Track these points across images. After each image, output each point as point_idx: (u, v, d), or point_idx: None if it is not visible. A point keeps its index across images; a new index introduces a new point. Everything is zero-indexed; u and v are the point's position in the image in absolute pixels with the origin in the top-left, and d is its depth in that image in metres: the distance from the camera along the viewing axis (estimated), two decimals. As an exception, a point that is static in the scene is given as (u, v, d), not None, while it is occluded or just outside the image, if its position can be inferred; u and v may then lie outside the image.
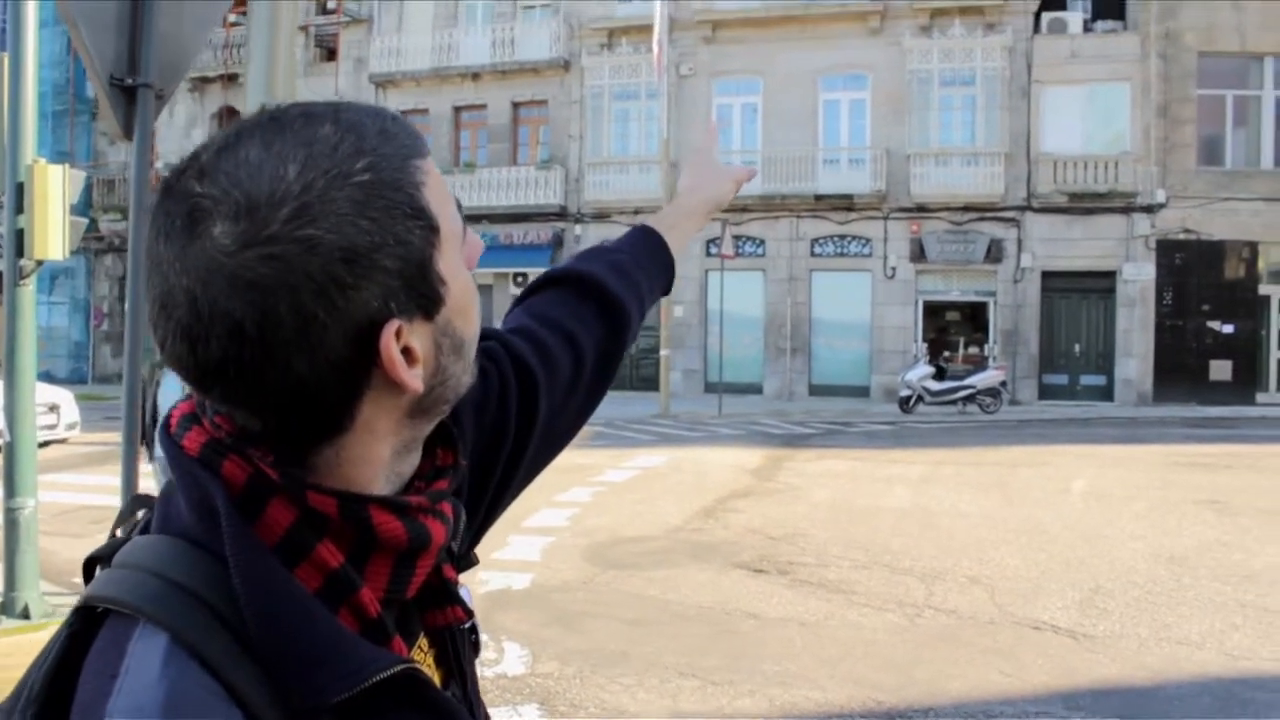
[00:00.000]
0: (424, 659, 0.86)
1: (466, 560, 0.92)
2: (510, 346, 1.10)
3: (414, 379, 0.75)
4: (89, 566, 0.78)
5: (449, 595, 0.87)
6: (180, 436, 0.77)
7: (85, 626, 0.72)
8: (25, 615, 6.03)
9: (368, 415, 0.76)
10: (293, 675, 0.69)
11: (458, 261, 0.79)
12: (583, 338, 1.18)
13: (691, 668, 5.63)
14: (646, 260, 1.35)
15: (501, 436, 1.05)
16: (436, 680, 0.86)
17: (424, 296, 0.75)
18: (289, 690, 0.69)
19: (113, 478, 11.41)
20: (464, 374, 0.82)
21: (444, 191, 0.78)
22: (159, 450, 0.83)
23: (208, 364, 0.70)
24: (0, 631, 5.94)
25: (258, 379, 0.70)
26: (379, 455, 0.78)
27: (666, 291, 1.40)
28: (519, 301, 1.24)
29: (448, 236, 0.77)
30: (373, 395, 0.75)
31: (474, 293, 0.82)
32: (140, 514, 0.81)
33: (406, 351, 0.74)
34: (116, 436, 9.49)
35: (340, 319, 0.70)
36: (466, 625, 0.90)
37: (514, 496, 1.11)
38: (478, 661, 0.96)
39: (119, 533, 0.80)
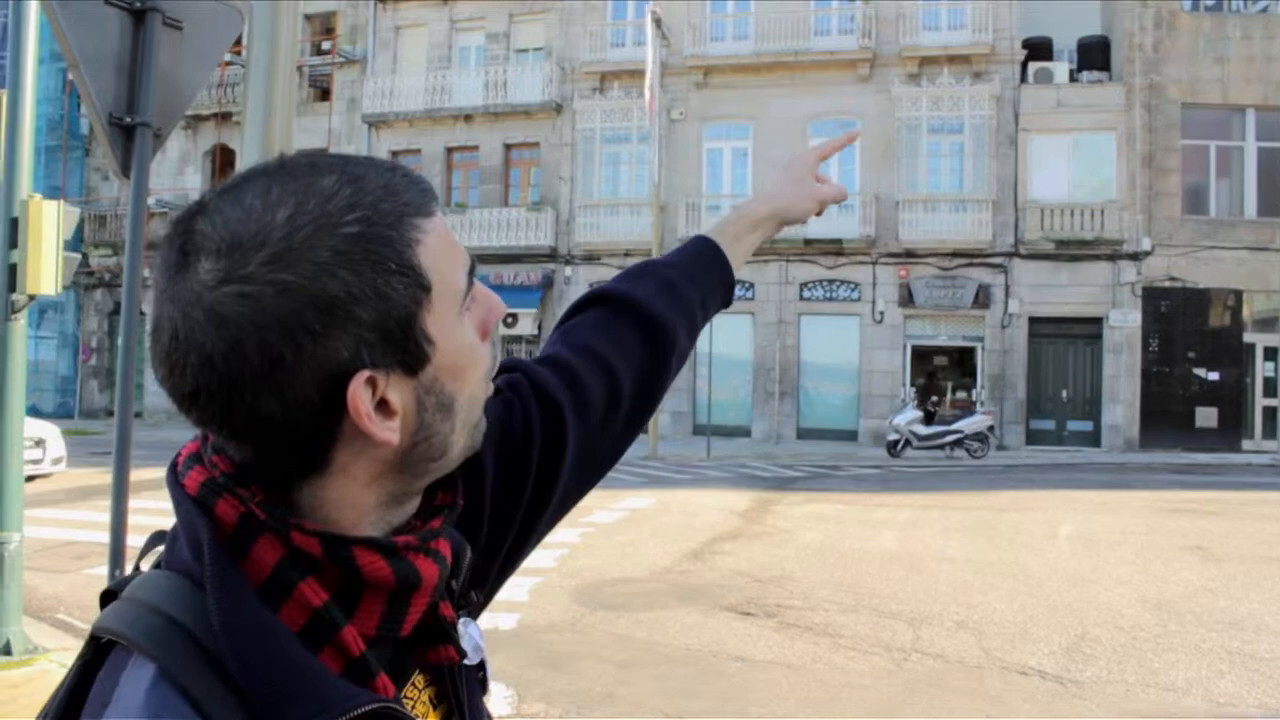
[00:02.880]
0: (418, 696, 0.88)
1: (466, 599, 0.93)
2: (534, 376, 1.10)
3: (385, 431, 0.76)
4: (104, 599, 0.81)
5: (443, 634, 0.87)
6: (183, 475, 0.80)
7: (95, 656, 0.76)
8: (7, 651, 5.98)
9: (344, 460, 0.78)
10: (267, 711, 0.71)
11: (454, 322, 0.80)
12: (619, 364, 1.15)
13: (678, 710, 5.61)
14: (701, 275, 1.29)
15: (525, 467, 1.05)
16: (433, 718, 0.89)
17: (405, 352, 0.76)
18: None
19: (97, 514, 11.35)
20: (453, 434, 0.82)
21: (450, 253, 0.80)
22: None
23: (183, 389, 0.74)
24: (-17, 668, 5.89)
25: (227, 409, 0.73)
26: (362, 501, 0.80)
27: (725, 305, 1.34)
28: (560, 323, 1.22)
29: (442, 296, 0.78)
30: (346, 441, 0.77)
31: (476, 355, 0.83)
32: (158, 549, 0.84)
33: (383, 404, 0.76)
34: (102, 472, 9.46)
35: (308, 363, 0.72)
36: (475, 663, 0.91)
37: (549, 526, 1.11)
38: (488, 699, 0.96)
39: (143, 566, 0.83)
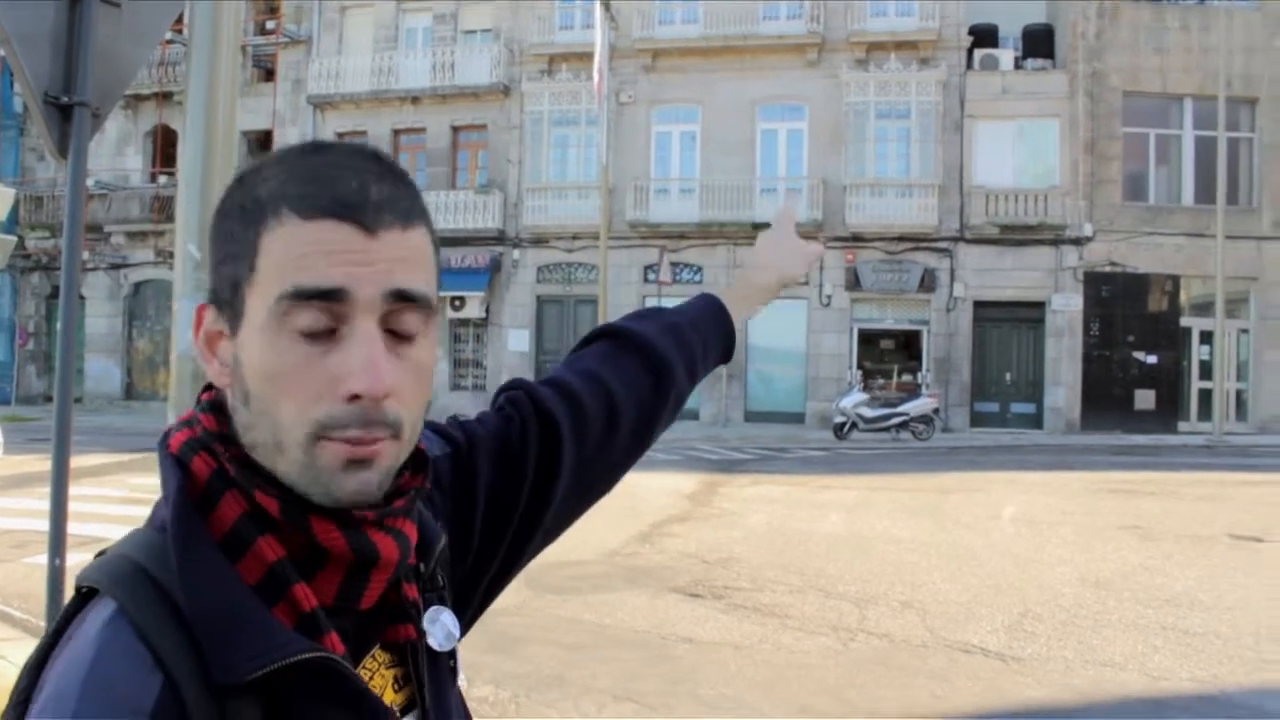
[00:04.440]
0: (376, 668, 0.89)
1: (433, 583, 0.95)
2: (534, 394, 1.14)
3: (210, 360, 0.86)
4: (96, 559, 0.86)
5: (404, 613, 0.90)
6: (170, 436, 0.87)
7: (80, 603, 0.81)
8: (-56, 641, 5.87)
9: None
10: (212, 651, 0.75)
11: (267, 321, 0.80)
12: (620, 392, 1.19)
13: (628, 692, 5.64)
14: (706, 325, 1.35)
15: (519, 480, 1.09)
16: (396, 699, 0.90)
17: (232, 309, 0.84)
18: (210, 664, 0.75)
19: (36, 501, 11.13)
20: (254, 430, 0.82)
21: (292, 257, 0.80)
22: None
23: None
24: (-82, 658, 5.77)
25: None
26: (252, 430, 0.84)
27: (726, 359, 1.41)
28: (571, 354, 1.28)
29: (263, 284, 0.81)
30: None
31: (290, 385, 0.80)
32: None
33: (210, 340, 0.86)
34: (41, 459, 9.31)
35: (218, 265, 0.86)
36: (446, 650, 0.93)
37: (542, 545, 1.15)
38: (461, 685, 0.99)
39: None
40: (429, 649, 0.92)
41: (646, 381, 1.22)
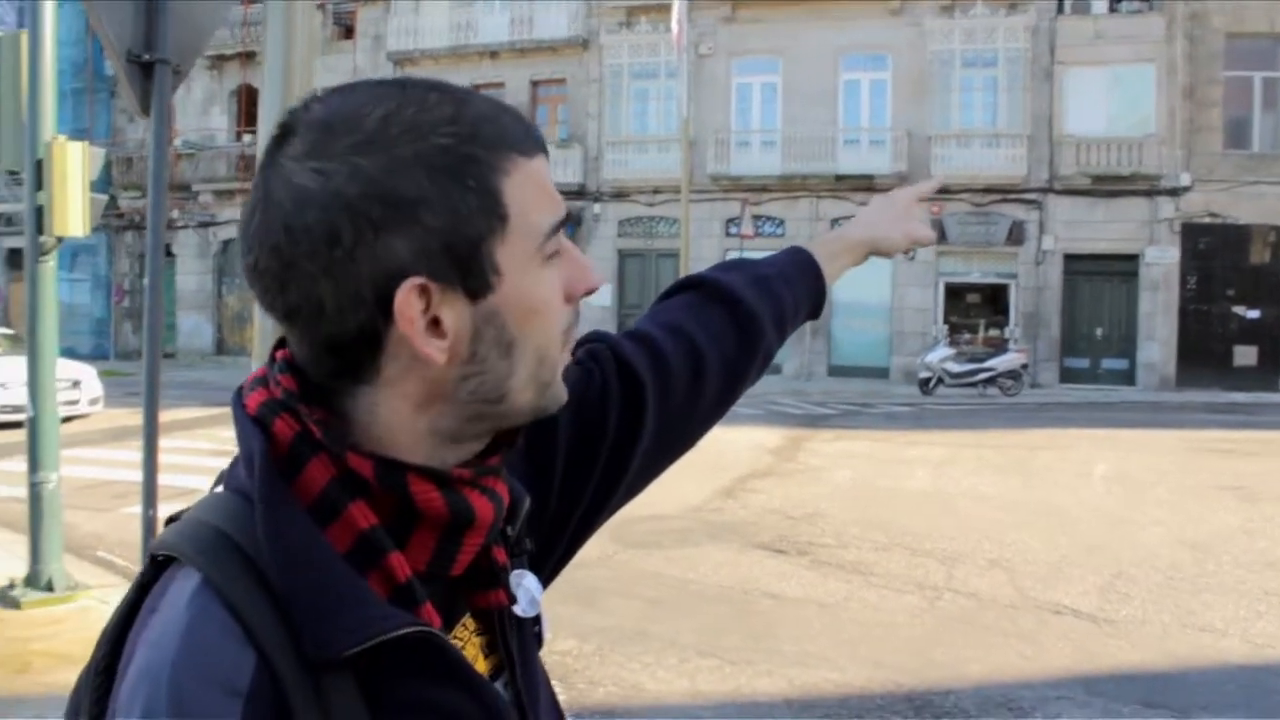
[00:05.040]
0: (467, 638, 0.86)
1: (521, 547, 0.90)
2: (618, 351, 1.09)
3: (429, 346, 0.75)
4: (168, 523, 0.82)
5: (495, 578, 0.86)
6: (245, 396, 0.81)
7: (154, 572, 0.77)
8: (49, 588, 6.07)
9: (393, 374, 0.77)
10: (305, 625, 0.71)
11: (527, 262, 0.78)
12: (706, 347, 1.14)
13: (710, 647, 5.62)
14: (796, 279, 1.29)
15: (599, 439, 1.04)
16: (484, 667, 0.86)
17: (468, 273, 0.76)
18: (304, 639, 0.71)
19: (134, 453, 11.46)
20: (512, 378, 0.80)
21: (539, 197, 0.79)
22: None
23: (250, 260, 0.76)
24: (25, 604, 5.98)
25: (282, 284, 0.74)
26: (413, 426, 0.79)
27: (814, 315, 1.35)
28: (655, 304, 1.23)
29: (518, 232, 0.77)
30: (394, 352, 0.76)
31: (550, 308, 0.81)
32: None
33: (436, 322, 0.75)
34: (138, 412, 9.51)
35: (367, 256, 0.72)
36: (531, 616, 0.89)
37: (624, 500, 1.11)
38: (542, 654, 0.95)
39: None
40: (514, 614, 0.88)
41: (733, 335, 1.17)
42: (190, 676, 0.67)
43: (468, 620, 0.86)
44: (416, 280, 0.73)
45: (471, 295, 0.76)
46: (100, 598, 6.20)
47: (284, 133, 0.76)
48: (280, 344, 0.83)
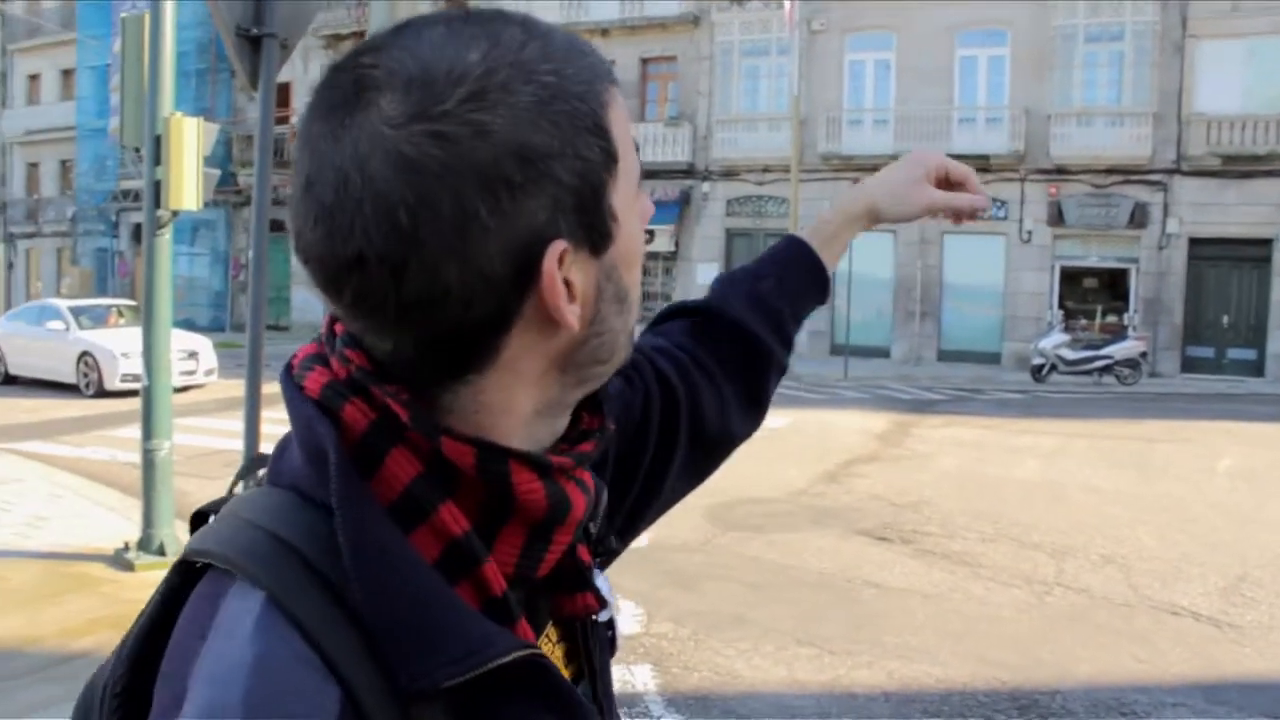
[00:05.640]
0: (552, 651, 0.77)
1: (605, 545, 0.83)
2: (653, 359, 1.03)
3: (572, 315, 0.66)
4: (196, 521, 0.72)
5: (582, 580, 0.77)
6: (301, 378, 0.69)
7: (183, 582, 0.66)
8: (160, 552, 6.29)
9: (514, 353, 0.67)
10: (400, 653, 0.61)
11: (631, 204, 0.70)
12: (719, 372, 1.08)
13: (809, 635, 5.53)
14: (796, 280, 1.19)
15: (643, 442, 0.97)
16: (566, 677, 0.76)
17: (594, 227, 0.67)
18: (395, 669, 0.61)
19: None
20: (622, 333, 0.73)
21: (627, 128, 0.70)
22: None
23: (344, 257, 0.62)
24: (138, 566, 6.21)
25: (397, 282, 0.62)
26: (520, 407, 0.69)
27: (820, 303, 1.25)
28: (651, 328, 1.15)
29: (626, 171, 0.69)
30: (522, 328, 0.66)
31: (641, 247, 0.74)
32: (260, 473, 0.74)
33: (567, 284, 0.66)
34: (250, 384, 9.65)
35: (503, 225, 0.62)
36: (604, 619, 0.80)
37: (664, 508, 1.04)
38: (613, 661, 0.85)
39: (237, 491, 0.74)
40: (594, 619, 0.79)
41: (741, 361, 1.11)
42: (268, 713, 0.57)
43: (550, 630, 0.77)
44: (560, 244, 0.64)
45: (595, 250, 0.67)
46: (210, 563, 6.39)
47: (361, 90, 0.62)
48: (337, 318, 0.72)
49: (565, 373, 0.70)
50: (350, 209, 0.61)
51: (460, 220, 0.61)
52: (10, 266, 41.67)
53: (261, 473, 0.74)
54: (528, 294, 0.64)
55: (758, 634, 5.55)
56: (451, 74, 0.61)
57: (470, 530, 0.66)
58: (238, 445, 10.49)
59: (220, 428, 12.12)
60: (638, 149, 0.72)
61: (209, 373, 16.63)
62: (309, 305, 31.20)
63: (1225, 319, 23.08)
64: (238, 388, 15.60)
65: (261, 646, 0.59)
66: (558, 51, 0.66)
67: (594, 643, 0.80)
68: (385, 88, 0.61)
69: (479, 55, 0.62)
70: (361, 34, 29.07)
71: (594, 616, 0.79)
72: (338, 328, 0.71)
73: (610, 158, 0.66)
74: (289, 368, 0.71)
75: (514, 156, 0.61)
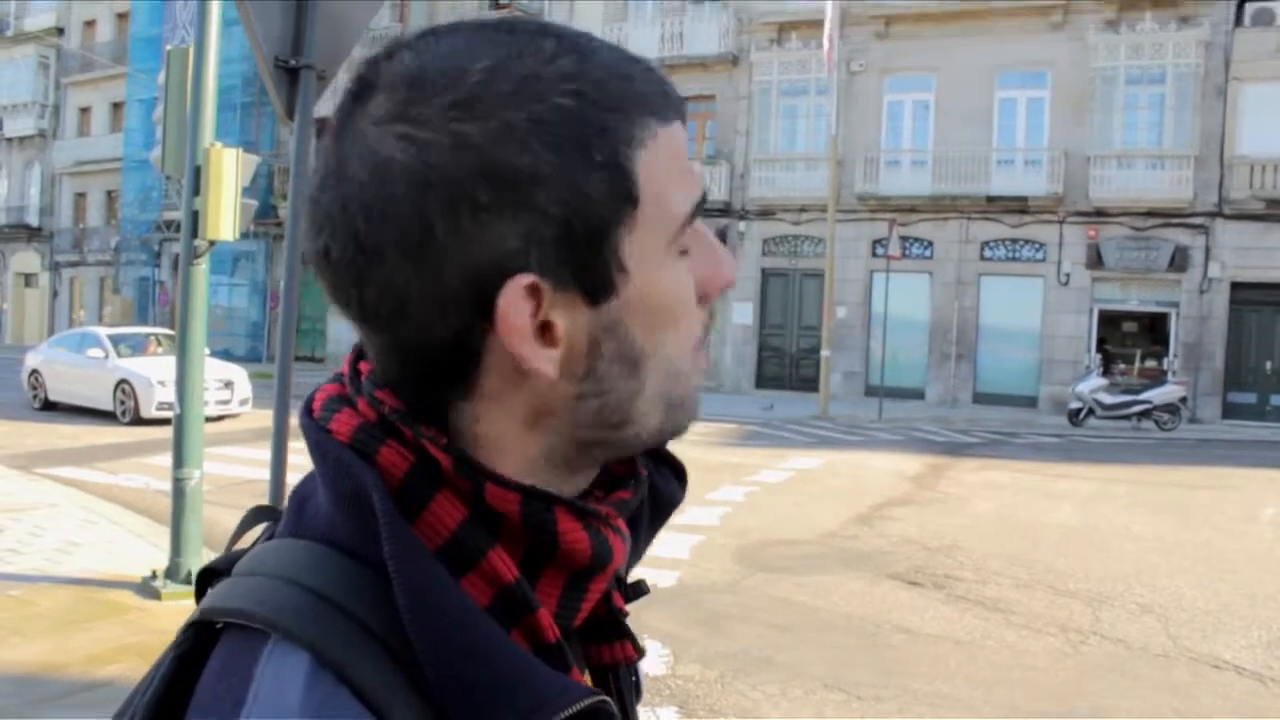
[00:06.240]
0: None
1: (637, 590, 0.78)
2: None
3: (538, 358, 0.60)
4: (204, 579, 0.67)
5: (619, 628, 0.73)
6: (326, 420, 0.65)
7: (196, 647, 0.61)
8: (188, 581, 6.28)
9: (496, 386, 0.62)
10: (466, 710, 0.56)
11: (660, 257, 0.63)
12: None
13: (838, 680, 5.43)
14: None
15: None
16: None
17: (588, 270, 0.61)
18: None
19: (280, 453, 11.89)
20: (638, 399, 0.65)
21: (677, 173, 0.64)
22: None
23: (318, 244, 0.61)
24: (165, 595, 6.22)
25: (359, 275, 0.59)
26: (522, 447, 0.64)
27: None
28: None
29: (651, 219, 0.62)
30: (494, 363, 0.61)
31: (683, 310, 0.66)
32: (262, 528, 0.70)
33: (546, 327, 0.61)
34: (283, 414, 9.67)
35: (460, 246, 0.58)
36: (631, 665, 0.76)
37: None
38: (640, 707, 0.81)
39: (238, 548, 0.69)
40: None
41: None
42: None
43: (585, 678, 0.72)
44: (526, 278, 0.59)
45: (591, 298, 0.61)
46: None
47: (361, 87, 0.61)
48: (362, 355, 0.68)
49: (570, 426, 0.65)
50: (325, 201, 0.60)
51: (416, 229, 0.57)
52: (55, 295, 42.42)
53: (262, 528, 0.70)
54: (491, 326, 0.60)
55: (786, 677, 5.46)
56: (445, 77, 0.58)
57: (521, 577, 0.62)
58: (268, 475, 10.57)
59: (252, 457, 12.18)
60: (700, 203, 0.66)
61: (243, 402, 16.76)
62: (345, 337, 31.49)
63: (1269, 364, 22.74)
64: (272, 418, 15.70)
65: (317, 707, 0.54)
66: (594, 72, 0.61)
67: (626, 688, 0.75)
68: (383, 87, 0.60)
69: (488, 63, 0.58)
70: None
71: (634, 664, 0.75)
72: (362, 367, 0.67)
73: (624, 199, 0.60)
74: (309, 410, 0.67)
75: (486, 175, 0.57)
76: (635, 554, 0.84)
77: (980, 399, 24.38)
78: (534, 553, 0.63)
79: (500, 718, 0.56)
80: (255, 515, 0.73)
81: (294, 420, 3.92)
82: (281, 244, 32.64)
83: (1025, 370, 24.29)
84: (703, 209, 0.66)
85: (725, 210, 26.55)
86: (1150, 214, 22.91)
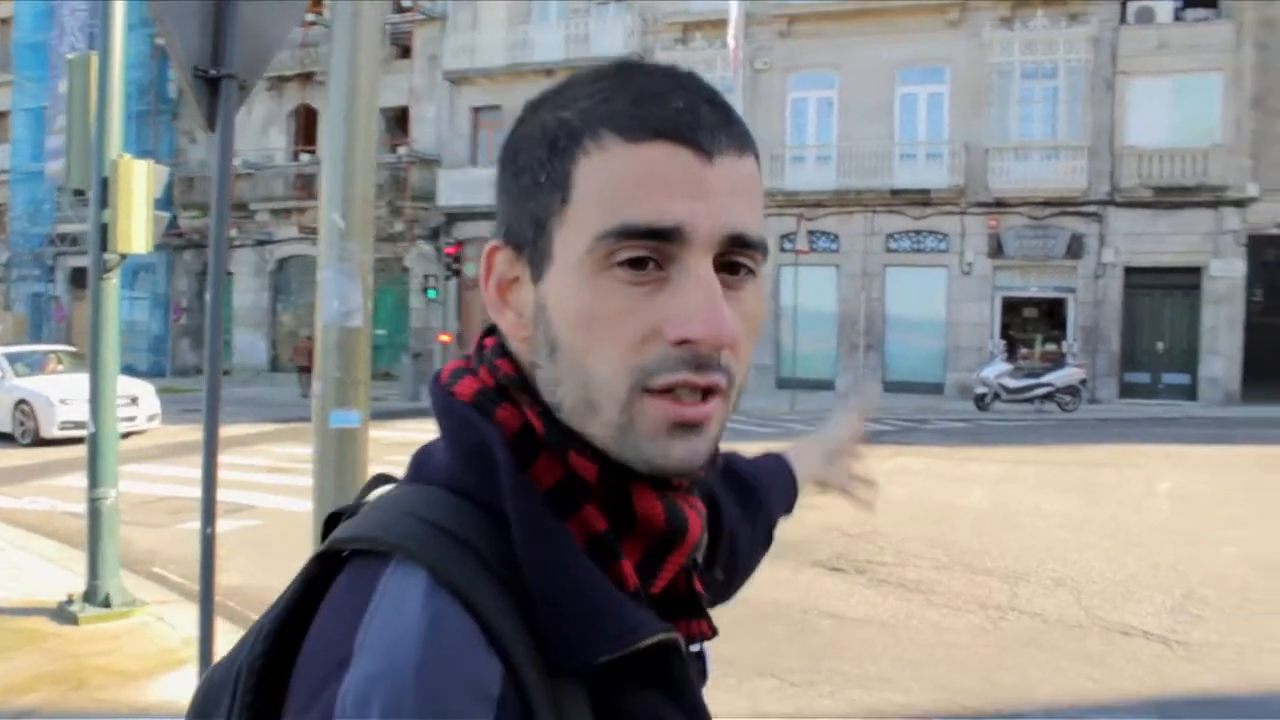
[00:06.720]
0: None
1: (711, 575, 0.90)
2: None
3: (502, 310, 0.75)
4: (330, 522, 0.77)
5: (697, 606, 0.79)
6: (452, 384, 0.76)
7: (322, 573, 0.70)
8: (106, 604, 6.12)
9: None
10: (561, 630, 0.65)
11: (577, 264, 0.69)
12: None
13: (770, 667, 5.54)
14: (779, 490, 1.34)
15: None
16: None
17: (531, 246, 0.73)
18: (553, 644, 0.65)
19: (191, 469, 11.60)
20: (558, 387, 0.71)
21: (617, 193, 0.68)
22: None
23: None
24: (82, 619, 6.03)
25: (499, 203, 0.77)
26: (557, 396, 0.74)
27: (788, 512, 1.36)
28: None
29: (577, 220, 0.69)
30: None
31: (602, 328, 0.69)
32: (380, 490, 0.79)
33: (502, 288, 0.75)
34: (195, 429, 9.59)
35: (510, 204, 0.75)
36: (696, 649, 0.81)
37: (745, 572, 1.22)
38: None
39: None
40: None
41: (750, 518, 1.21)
42: (440, 679, 0.61)
43: None
44: (495, 242, 0.75)
45: (534, 273, 0.72)
46: (156, 614, 6.24)
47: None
48: (488, 331, 0.79)
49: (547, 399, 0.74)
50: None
51: (507, 176, 0.76)
52: (-58, 314, 40.80)
53: (383, 489, 0.79)
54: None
55: (717, 667, 5.49)
56: (536, 99, 0.76)
57: (608, 529, 0.70)
58: (183, 491, 10.34)
59: (164, 474, 11.91)
60: (628, 230, 0.68)
61: (151, 418, 16.34)
62: (252, 348, 30.87)
63: (1160, 345, 23.61)
64: (181, 433, 15.32)
65: (432, 615, 0.63)
66: (602, 93, 0.71)
67: (695, 670, 0.79)
68: None
69: (549, 92, 0.75)
70: (307, 75, 29.03)
71: (706, 642, 0.82)
72: (487, 342, 0.79)
73: (558, 196, 0.70)
74: (438, 378, 0.78)
75: (505, 162, 0.75)
76: (740, 567, 1.12)
77: (889, 388, 24.85)
78: (616, 517, 0.71)
79: (590, 639, 0.65)
80: (377, 480, 0.81)
81: (225, 431, 3.88)
82: (183, 255, 31.85)
83: (932, 358, 24.85)
84: (648, 236, 0.68)
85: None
86: (1047, 203, 23.62)
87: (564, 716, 0.65)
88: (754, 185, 0.73)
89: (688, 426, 0.70)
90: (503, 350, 0.76)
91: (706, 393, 0.70)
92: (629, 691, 0.68)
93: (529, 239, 0.72)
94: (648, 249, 0.68)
